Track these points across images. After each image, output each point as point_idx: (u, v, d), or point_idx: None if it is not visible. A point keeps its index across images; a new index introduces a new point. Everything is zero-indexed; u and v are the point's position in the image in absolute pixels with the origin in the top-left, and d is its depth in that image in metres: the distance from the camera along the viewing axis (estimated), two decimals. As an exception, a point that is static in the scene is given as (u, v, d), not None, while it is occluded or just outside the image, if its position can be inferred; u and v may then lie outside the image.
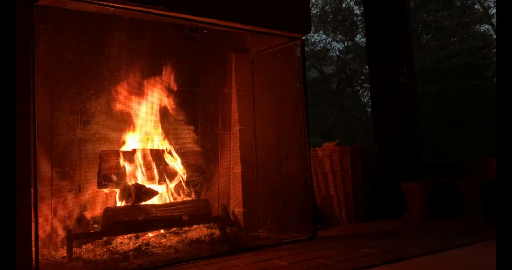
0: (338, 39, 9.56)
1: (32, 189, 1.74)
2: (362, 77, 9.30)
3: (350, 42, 9.44)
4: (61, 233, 2.24)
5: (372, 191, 3.28)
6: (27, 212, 1.71)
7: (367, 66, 5.45)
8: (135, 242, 2.24)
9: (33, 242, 1.71)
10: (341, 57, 9.47)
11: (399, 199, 3.27)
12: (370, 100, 7.37)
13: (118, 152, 2.38)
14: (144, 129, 2.55)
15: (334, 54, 9.73)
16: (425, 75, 6.63)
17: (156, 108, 2.59)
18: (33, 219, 1.73)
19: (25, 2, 1.77)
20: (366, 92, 9.27)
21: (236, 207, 2.82)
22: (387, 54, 3.90)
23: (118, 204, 2.35)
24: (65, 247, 2.05)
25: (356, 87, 9.47)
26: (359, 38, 9.26)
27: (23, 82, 1.74)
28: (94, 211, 2.32)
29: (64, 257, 2.04)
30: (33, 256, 1.70)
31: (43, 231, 2.22)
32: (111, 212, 2.15)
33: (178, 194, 2.50)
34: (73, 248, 2.03)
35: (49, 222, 2.27)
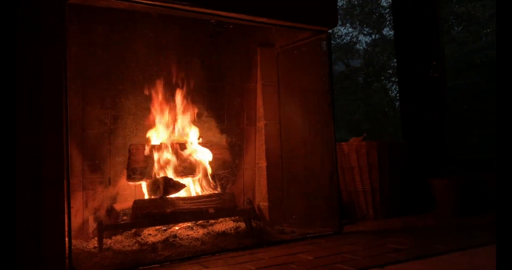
0: (365, 32, 9.41)
1: (64, 182, 1.80)
2: (390, 71, 9.12)
3: (377, 35, 9.27)
4: (92, 224, 2.31)
5: (400, 186, 3.23)
6: (60, 204, 1.77)
7: (395, 59, 5.34)
8: (163, 234, 2.29)
9: (66, 233, 1.78)
10: (368, 50, 9.31)
11: (427, 194, 3.21)
12: (398, 94, 7.23)
13: (146, 146, 2.43)
14: (171, 124, 2.59)
15: (361, 48, 9.58)
16: (455, 68, 6.44)
17: (182, 103, 2.62)
18: (66, 210, 1.79)
19: (56, 1, 1.83)
20: (394, 86, 9.09)
21: (262, 201, 2.83)
22: (416, 47, 3.81)
23: (147, 196, 2.40)
24: (96, 238, 2.12)
25: (384, 81, 9.30)
26: (387, 31, 9.08)
27: (55, 79, 1.80)
28: (124, 203, 2.39)
29: (95, 247, 2.11)
30: (67, 246, 1.77)
31: (75, 222, 2.30)
32: (140, 204, 2.20)
33: (204, 187, 2.53)
34: (104, 239, 2.10)
35: (81, 213, 2.35)
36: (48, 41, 1.80)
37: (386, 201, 3.10)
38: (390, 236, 2.33)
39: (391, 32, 8.59)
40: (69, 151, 1.84)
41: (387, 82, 9.31)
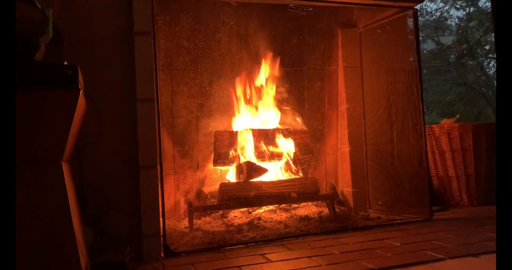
0: (458, 5, 8.66)
1: (158, 166, 1.94)
2: (486, 47, 8.32)
3: (472, 8, 8.48)
4: (183, 206, 2.47)
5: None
6: (154, 187, 1.92)
7: (492, 34, 4.86)
8: (247, 216, 2.37)
9: (160, 213, 1.92)
10: (462, 26, 8.57)
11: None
12: (496, 72, 6.58)
13: (230, 132, 2.52)
14: (254, 110, 2.65)
15: (453, 23, 8.85)
16: None
17: (264, 89, 2.66)
18: (160, 193, 1.93)
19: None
20: (492, 63, 8.29)
21: (345, 187, 2.79)
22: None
23: (232, 180, 2.50)
24: (187, 219, 2.26)
25: (480, 58, 8.52)
26: (483, 2, 8.26)
27: (147, 70, 1.93)
28: (211, 187, 2.51)
29: (186, 227, 2.25)
30: (161, 225, 1.91)
31: (168, 204, 2.47)
32: (225, 187, 2.30)
33: (286, 172, 2.56)
34: (194, 220, 2.23)
35: (173, 196, 2.51)
36: (139, 34, 1.93)
37: (482, 187, 2.87)
38: (486, 224, 2.17)
39: (488, 4, 7.80)
40: (161, 138, 1.98)
41: (483, 59, 8.52)
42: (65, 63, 1.34)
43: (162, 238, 1.90)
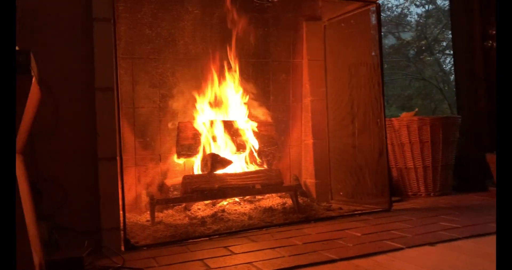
0: (417, 2, 8.91)
1: (118, 158, 1.88)
2: (444, 43, 8.63)
3: (430, 5, 8.76)
4: (145, 199, 2.41)
5: (456, 164, 3.09)
6: (114, 179, 1.86)
7: (449, 31, 5.04)
8: (211, 208, 2.35)
9: (120, 206, 1.87)
10: (421, 22, 8.84)
11: (485, 172, 3.05)
12: (453, 68, 6.85)
13: (194, 123, 2.47)
14: (218, 101, 2.62)
15: (412, 20, 9.11)
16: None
17: (228, 80, 2.63)
18: (119, 185, 1.87)
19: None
20: (449, 59, 8.62)
21: (308, 178, 2.82)
22: (473, 16, 3.56)
23: (196, 172, 2.46)
24: (148, 212, 2.21)
25: (437, 54, 8.83)
26: (441, 1, 8.55)
27: (107, 58, 1.86)
28: (174, 179, 2.46)
29: (147, 220, 2.20)
30: (121, 219, 1.86)
31: (129, 197, 2.40)
32: (189, 179, 2.26)
33: (251, 164, 2.55)
34: (156, 213, 2.18)
35: (134, 188, 2.45)
36: (98, 20, 1.85)
37: (439, 178, 2.99)
38: (442, 214, 2.25)
39: (446, 2, 8.08)
40: (121, 129, 1.91)
41: (440, 55, 8.83)
42: (17, 48, 1.26)
43: (122, 232, 1.84)
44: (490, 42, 3.54)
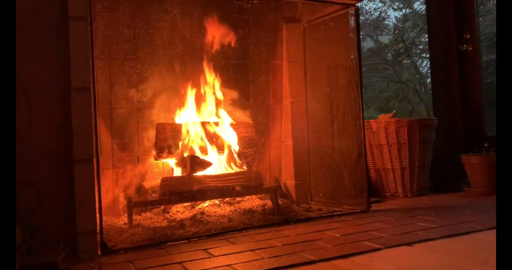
0: (395, 6, 9.07)
1: (94, 160, 1.84)
2: (421, 47, 8.80)
3: (408, 9, 8.92)
4: (122, 202, 2.37)
5: (432, 165, 3.15)
6: (90, 181, 1.82)
7: (426, 35, 5.14)
8: (190, 211, 2.32)
9: (97, 209, 1.83)
10: (398, 26, 9.00)
11: (460, 173, 3.12)
12: (429, 71, 6.99)
13: (173, 125, 2.45)
14: (197, 102, 2.59)
15: (390, 23, 9.26)
16: (491, 43, 6.15)
17: (208, 81, 2.62)
18: (96, 188, 1.83)
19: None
20: (425, 63, 8.79)
21: (288, 179, 2.82)
22: (448, 20, 3.64)
23: (175, 174, 2.43)
24: (126, 215, 2.17)
25: (414, 57, 9.00)
26: (418, 5, 8.72)
27: (83, 57, 1.82)
28: (152, 181, 2.43)
29: (125, 223, 2.16)
30: (98, 222, 1.82)
31: (106, 199, 2.36)
32: (167, 182, 2.23)
33: (231, 165, 2.54)
34: (134, 216, 2.15)
35: (111, 191, 2.40)
36: (74, 18, 1.81)
37: (416, 179, 3.04)
38: (419, 215, 2.29)
39: (423, 7, 8.25)
40: (98, 130, 1.87)
41: (417, 58, 9.01)
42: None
43: (99, 235, 1.80)
44: (465, 45, 3.63)
